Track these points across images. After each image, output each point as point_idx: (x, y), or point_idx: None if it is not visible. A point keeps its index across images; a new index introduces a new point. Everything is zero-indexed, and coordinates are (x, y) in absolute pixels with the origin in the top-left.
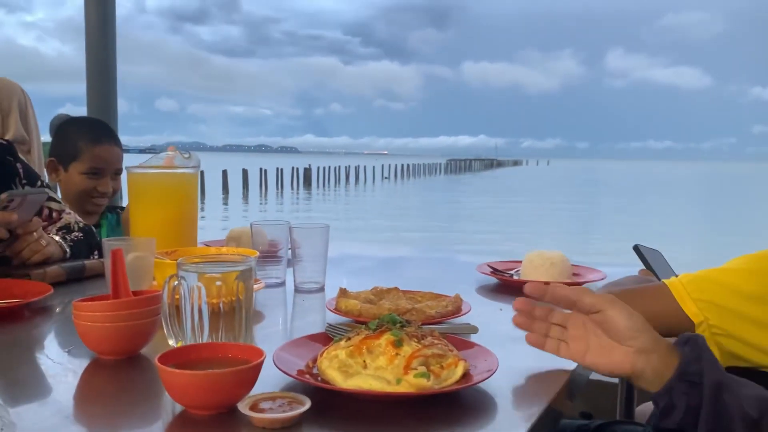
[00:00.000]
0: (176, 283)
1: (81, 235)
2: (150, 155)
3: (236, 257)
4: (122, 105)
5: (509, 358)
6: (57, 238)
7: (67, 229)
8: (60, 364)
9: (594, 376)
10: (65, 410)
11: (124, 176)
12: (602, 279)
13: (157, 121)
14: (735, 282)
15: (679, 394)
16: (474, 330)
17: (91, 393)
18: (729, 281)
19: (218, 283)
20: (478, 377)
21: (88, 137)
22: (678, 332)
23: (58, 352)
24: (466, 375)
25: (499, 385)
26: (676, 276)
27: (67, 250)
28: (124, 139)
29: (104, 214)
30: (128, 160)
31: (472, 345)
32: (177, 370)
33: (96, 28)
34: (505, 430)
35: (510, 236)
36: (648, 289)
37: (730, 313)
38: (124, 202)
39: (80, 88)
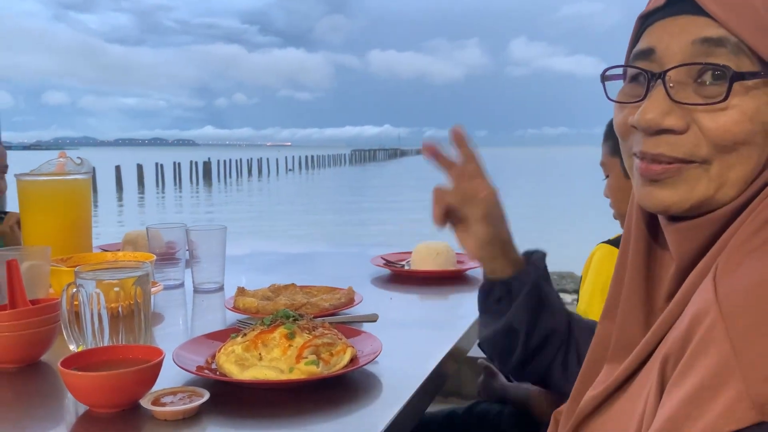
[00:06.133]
0: (74, 290)
1: None
2: (35, 152)
3: (133, 263)
4: (5, 99)
5: (394, 342)
6: None
7: None
8: None
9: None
10: None
11: (12, 183)
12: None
13: (43, 115)
14: None
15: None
16: (374, 318)
17: None
18: None
19: (116, 289)
20: (363, 361)
21: None
22: None
23: None
24: (353, 360)
25: (385, 367)
26: None
27: None
28: (6, 135)
29: None
30: (12, 156)
31: (359, 333)
32: (80, 373)
33: None
34: (386, 407)
35: (407, 227)
36: None
37: None
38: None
39: None
